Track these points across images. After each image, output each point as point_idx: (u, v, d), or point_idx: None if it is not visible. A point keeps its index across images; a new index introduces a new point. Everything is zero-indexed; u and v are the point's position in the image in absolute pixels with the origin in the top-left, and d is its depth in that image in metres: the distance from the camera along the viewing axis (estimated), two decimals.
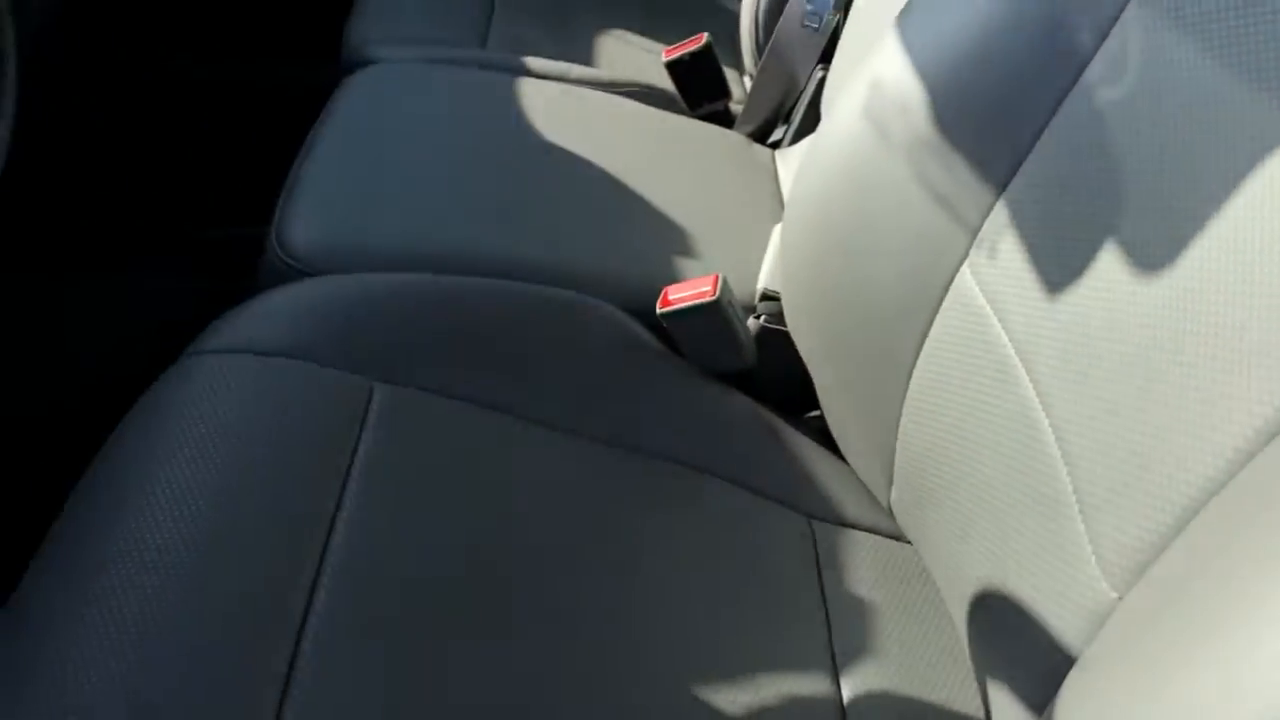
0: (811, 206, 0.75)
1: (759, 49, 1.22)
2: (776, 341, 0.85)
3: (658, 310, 0.82)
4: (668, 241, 0.95)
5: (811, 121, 1.12)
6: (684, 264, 0.93)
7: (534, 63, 1.18)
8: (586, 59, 1.23)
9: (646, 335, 0.85)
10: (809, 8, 1.09)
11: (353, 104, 1.09)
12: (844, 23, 1.09)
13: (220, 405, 0.71)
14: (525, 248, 0.91)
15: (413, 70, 1.16)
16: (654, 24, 1.33)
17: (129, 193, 1.48)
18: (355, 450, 0.69)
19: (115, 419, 0.71)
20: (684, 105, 1.20)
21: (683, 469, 0.76)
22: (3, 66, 0.59)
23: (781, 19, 1.13)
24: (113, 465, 0.68)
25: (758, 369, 0.86)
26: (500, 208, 0.96)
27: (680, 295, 0.82)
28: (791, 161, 1.11)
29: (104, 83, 1.57)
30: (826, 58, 1.11)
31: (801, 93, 1.14)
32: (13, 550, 0.66)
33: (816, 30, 1.10)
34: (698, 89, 1.19)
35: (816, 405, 0.82)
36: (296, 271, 0.87)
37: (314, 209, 0.92)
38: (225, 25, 1.63)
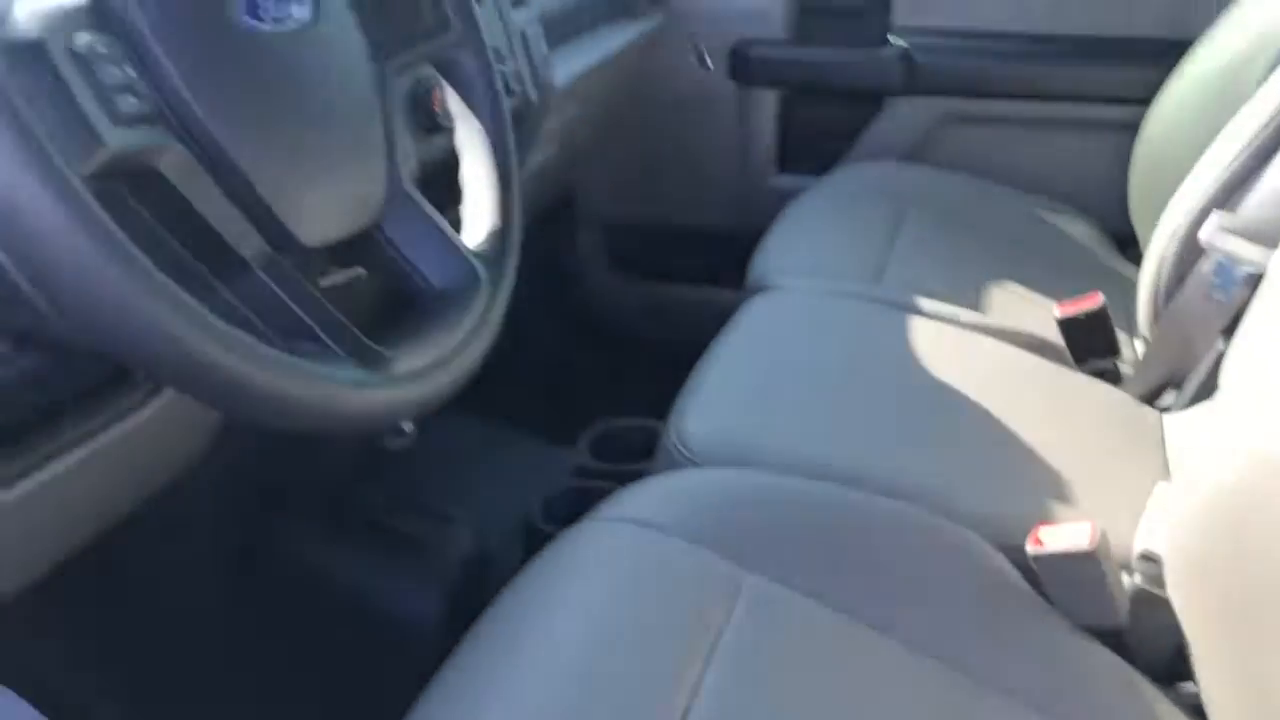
0: (1209, 478, 0.74)
1: (1156, 314, 1.22)
2: (1152, 603, 0.83)
3: (1028, 550, 0.83)
4: (1042, 484, 0.96)
5: (1207, 391, 1.10)
6: (1057, 508, 0.93)
7: (926, 303, 1.26)
8: (977, 305, 1.29)
9: (1011, 571, 0.85)
10: (1215, 281, 1.09)
11: (754, 322, 1.21)
12: (1252, 298, 1.08)
13: (609, 567, 0.80)
14: (900, 469, 0.96)
15: (811, 298, 1.27)
16: (1047, 278, 1.36)
17: (566, 380, 1.71)
18: (721, 632, 0.75)
19: (522, 563, 0.82)
20: (1071, 359, 1.21)
21: (1038, 715, 0.75)
22: (510, 193, 0.74)
23: (1184, 288, 1.13)
24: (513, 605, 0.78)
25: (1128, 628, 0.84)
26: (880, 429, 1.02)
27: (1053, 538, 0.82)
28: (1181, 426, 1.09)
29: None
30: (1229, 331, 1.10)
31: (1199, 362, 1.12)
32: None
33: (1223, 303, 1.09)
34: (1087, 345, 1.20)
35: (1190, 676, 0.79)
36: (688, 461, 0.97)
37: (710, 408, 1.03)
38: (650, 258, 1.88)
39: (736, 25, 1.78)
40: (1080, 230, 1.57)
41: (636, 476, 0.95)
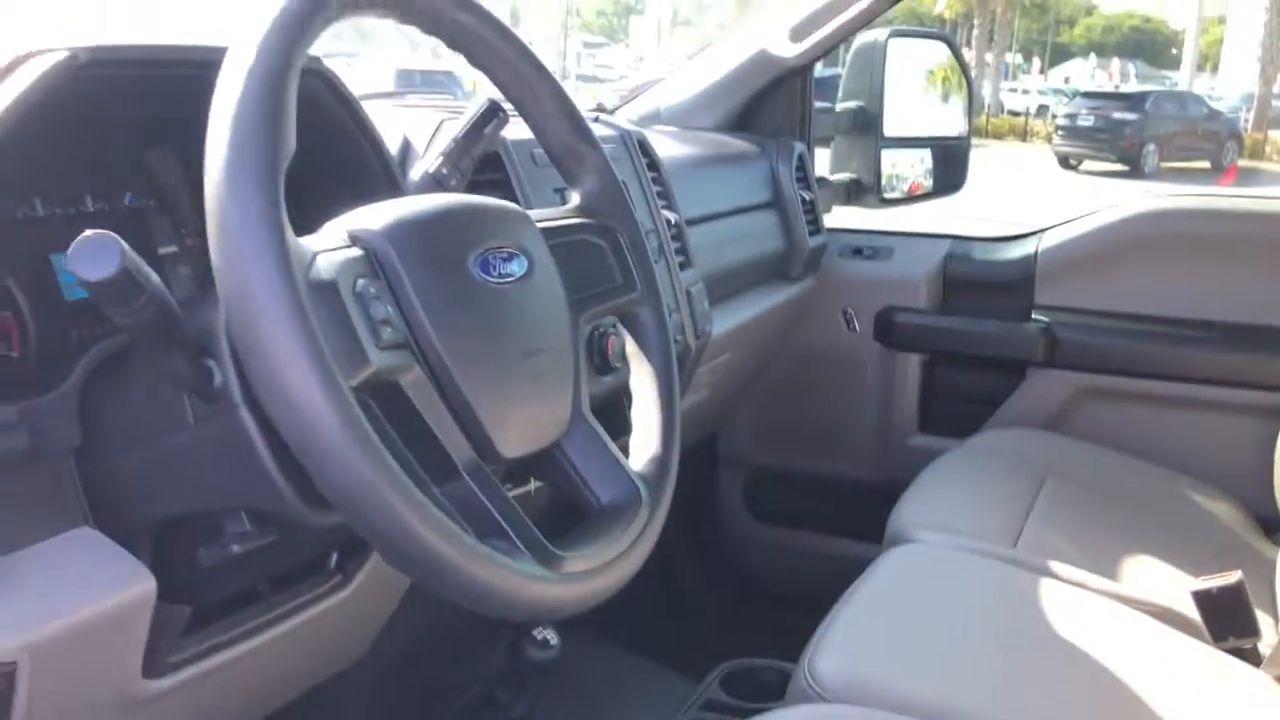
0: None
1: None
2: None
3: None
4: None
5: None
6: None
7: (1058, 567, 1.29)
8: (1112, 574, 1.31)
9: None
10: None
11: (890, 571, 1.26)
12: None
13: None
14: None
15: (947, 554, 1.31)
16: (1186, 554, 1.38)
17: (700, 616, 1.76)
18: None
19: None
20: (1208, 635, 1.21)
21: None
22: (673, 427, 0.84)
23: None
24: None
25: None
26: (1007, 684, 1.05)
27: None
28: None
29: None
30: None
31: None
32: None
33: None
34: (1225, 623, 1.20)
35: None
36: (819, 696, 1.01)
37: (844, 648, 1.08)
38: (787, 504, 1.96)
39: (884, 294, 1.91)
40: (1223, 510, 1.58)
41: (767, 709, 1.00)
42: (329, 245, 0.66)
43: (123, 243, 0.59)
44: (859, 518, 1.69)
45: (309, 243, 0.64)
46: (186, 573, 0.75)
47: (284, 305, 0.57)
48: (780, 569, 2.00)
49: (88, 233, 0.59)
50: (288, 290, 0.57)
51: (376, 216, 0.69)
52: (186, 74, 0.78)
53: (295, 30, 0.64)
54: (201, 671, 0.81)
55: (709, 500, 2.06)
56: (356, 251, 0.67)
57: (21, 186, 0.80)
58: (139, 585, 0.73)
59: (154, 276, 0.62)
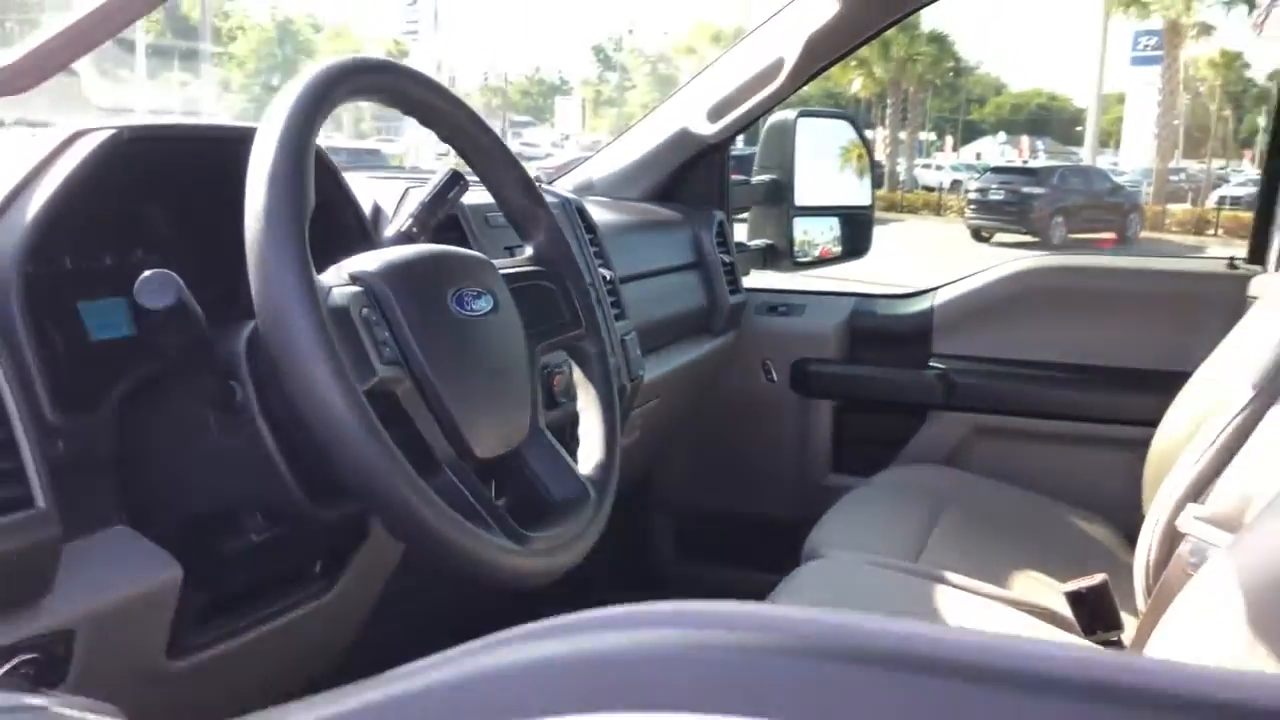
0: None
1: (1148, 591, 1.41)
2: None
3: None
4: None
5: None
6: None
7: (953, 576, 1.47)
8: (998, 582, 1.49)
9: None
10: (1192, 560, 1.29)
11: (804, 581, 1.42)
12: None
13: None
14: None
15: (855, 567, 1.49)
16: (1063, 565, 1.57)
17: None
18: None
19: None
20: (1079, 629, 1.39)
21: None
22: (614, 438, 1.00)
23: (1169, 568, 1.33)
24: None
25: None
26: None
27: None
28: None
29: None
30: None
31: None
32: None
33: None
34: (1092, 618, 1.39)
35: None
36: None
37: None
38: (712, 542, 2.10)
39: (798, 346, 2.11)
40: (1095, 529, 1.78)
41: None
42: (336, 282, 0.82)
43: (178, 279, 0.75)
44: (778, 552, 1.85)
45: (322, 279, 0.80)
46: (207, 564, 0.89)
47: (312, 326, 0.73)
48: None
49: (149, 272, 0.75)
50: (314, 315, 0.73)
51: (372, 260, 0.86)
52: (207, 149, 0.94)
53: (311, 113, 0.81)
54: (211, 656, 0.94)
55: (642, 541, 2.21)
56: (357, 288, 0.83)
57: (56, 246, 0.94)
58: (167, 573, 0.86)
59: (198, 308, 0.77)
